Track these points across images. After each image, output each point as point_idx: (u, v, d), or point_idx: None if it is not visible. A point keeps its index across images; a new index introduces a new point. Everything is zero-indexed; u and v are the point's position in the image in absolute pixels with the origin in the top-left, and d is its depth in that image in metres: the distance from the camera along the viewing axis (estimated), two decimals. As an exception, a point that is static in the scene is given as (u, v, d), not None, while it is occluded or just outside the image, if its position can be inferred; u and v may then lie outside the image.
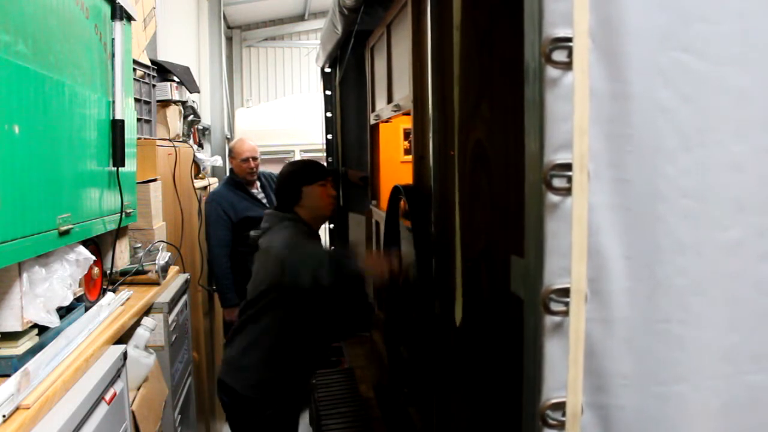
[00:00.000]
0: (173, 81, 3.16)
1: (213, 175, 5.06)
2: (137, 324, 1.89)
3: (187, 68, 3.59)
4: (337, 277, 2.22)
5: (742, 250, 0.85)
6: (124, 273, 2.02)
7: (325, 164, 4.06)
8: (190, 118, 3.71)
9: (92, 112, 1.64)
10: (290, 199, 2.52)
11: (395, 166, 3.00)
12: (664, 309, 0.84)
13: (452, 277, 1.67)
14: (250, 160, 3.85)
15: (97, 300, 1.71)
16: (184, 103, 3.38)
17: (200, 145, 4.60)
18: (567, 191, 0.79)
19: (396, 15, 2.22)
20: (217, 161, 4.29)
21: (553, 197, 0.79)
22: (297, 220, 2.48)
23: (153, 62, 2.97)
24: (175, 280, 2.37)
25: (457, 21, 1.57)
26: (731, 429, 0.88)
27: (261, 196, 3.98)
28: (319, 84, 4.10)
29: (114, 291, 1.86)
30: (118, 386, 1.51)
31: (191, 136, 3.94)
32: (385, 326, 2.46)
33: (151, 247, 2.26)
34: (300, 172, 2.55)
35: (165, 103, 3.07)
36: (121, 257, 2.02)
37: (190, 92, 3.50)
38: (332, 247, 3.88)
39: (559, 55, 0.78)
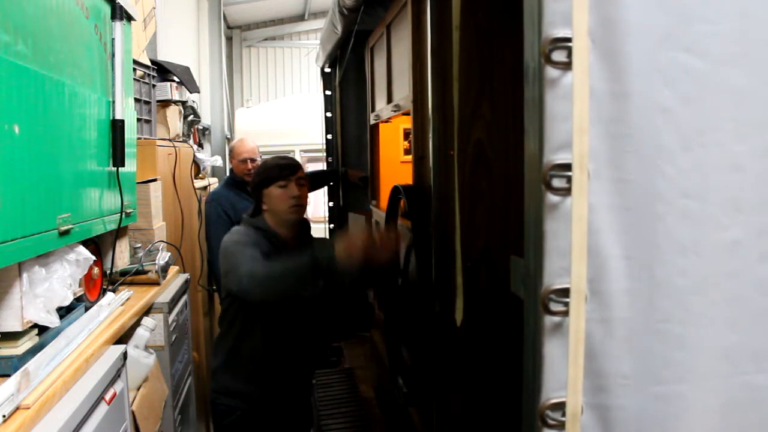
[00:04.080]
0: (173, 81, 3.16)
1: (213, 175, 5.06)
2: (137, 324, 1.89)
3: (187, 68, 3.59)
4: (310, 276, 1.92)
5: (742, 249, 0.85)
6: (124, 273, 2.03)
7: (325, 164, 4.06)
8: (190, 118, 3.71)
9: (92, 112, 1.64)
10: (257, 204, 2.29)
11: (395, 166, 3.00)
12: (664, 309, 0.84)
13: (452, 277, 1.67)
14: (248, 161, 3.81)
15: (97, 300, 1.71)
16: (184, 103, 3.38)
17: (200, 145, 4.60)
18: (566, 191, 0.79)
19: (396, 15, 2.22)
20: (217, 161, 4.29)
21: (552, 197, 0.79)
22: (255, 226, 2.23)
23: (153, 62, 2.97)
24: (175, 280, 2.36)
25: (456, 21, 1.57)
26: (731, 429, 0.88)
27: (261, 196, 3.97)
28: (319, 84, 4.10)
29: (114, 291, 1.86)
30: (118, 386, 1.51)
31: (191, 136, 3.94)
32: (385, 326, 2.45)
33: (151, 247, 2.26)
34: (258, 175, 2.29)
35: (165, 103, 3.07)
36: (121, 257, 2.02)
37: (190, 92, 3.50)
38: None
39: (559, 55, 0.78)
